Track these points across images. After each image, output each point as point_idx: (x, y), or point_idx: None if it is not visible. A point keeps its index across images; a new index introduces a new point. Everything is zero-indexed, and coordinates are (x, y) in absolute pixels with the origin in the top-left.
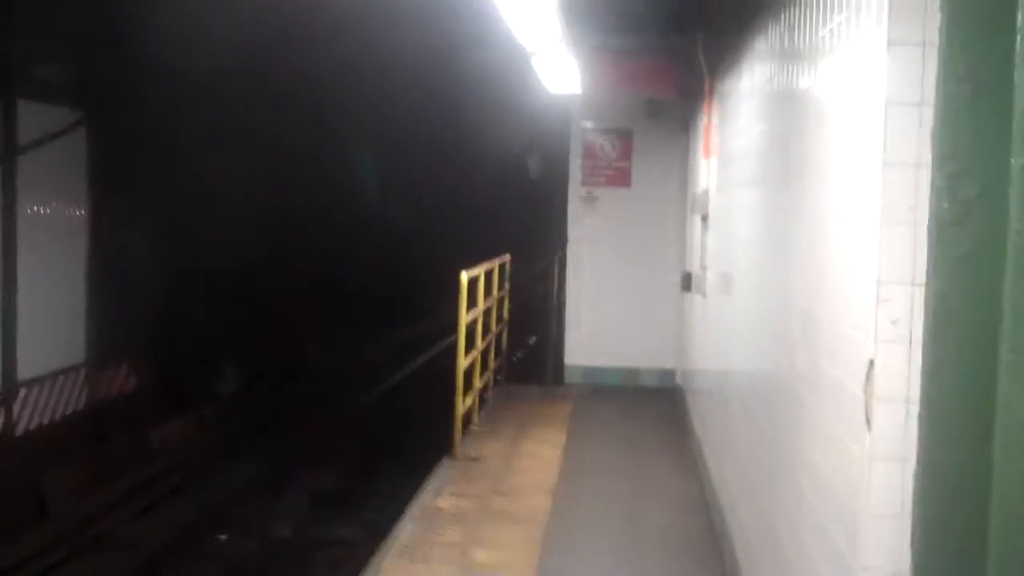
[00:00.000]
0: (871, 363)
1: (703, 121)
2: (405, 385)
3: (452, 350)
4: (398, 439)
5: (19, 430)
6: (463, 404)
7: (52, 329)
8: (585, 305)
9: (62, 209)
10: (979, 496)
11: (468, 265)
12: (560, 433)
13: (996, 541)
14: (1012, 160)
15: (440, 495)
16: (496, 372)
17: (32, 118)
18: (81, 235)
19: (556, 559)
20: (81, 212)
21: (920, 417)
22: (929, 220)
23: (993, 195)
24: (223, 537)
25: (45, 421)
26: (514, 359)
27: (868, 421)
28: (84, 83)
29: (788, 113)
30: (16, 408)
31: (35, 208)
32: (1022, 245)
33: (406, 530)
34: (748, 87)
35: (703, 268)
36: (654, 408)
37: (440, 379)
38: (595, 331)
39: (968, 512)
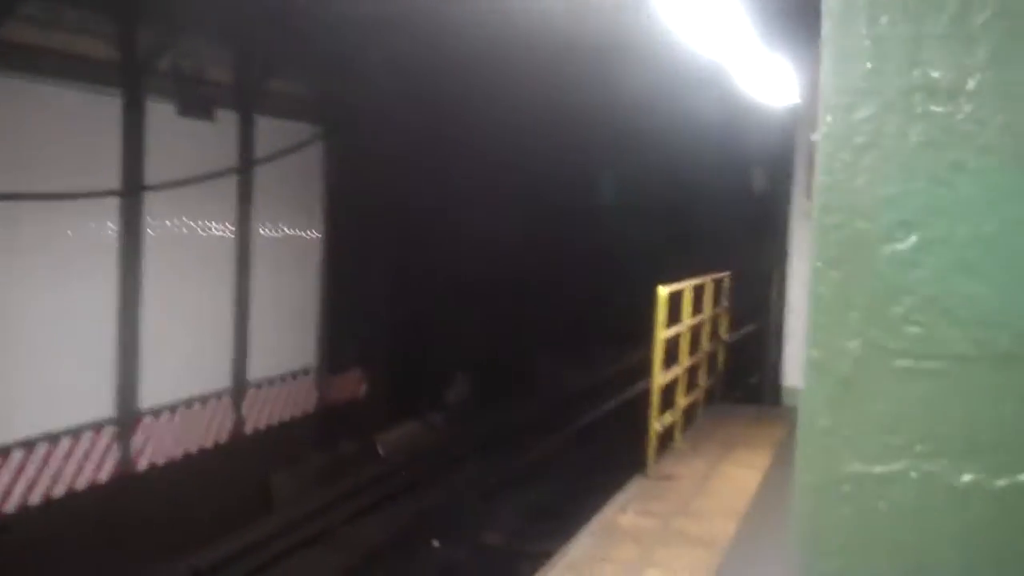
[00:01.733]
0: None
1: None
2: (631, 404)
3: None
4: (618, 457)
5: (248, 428)
6: (662, 422)
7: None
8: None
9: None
10: None
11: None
12: (765, 457)
13: None
14: None
15: (624, 512)
16: (708, 391)
17: (270, 132)
18: (315, 246)
19: None
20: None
21: None
22: None
23: None
24: (436, 543)
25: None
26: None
27: None
28: (322, 101)
29: None
30: (244, 408)
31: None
32: None
33: (580, 545)
34: None
35: None
36: None
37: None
38: None
39: None
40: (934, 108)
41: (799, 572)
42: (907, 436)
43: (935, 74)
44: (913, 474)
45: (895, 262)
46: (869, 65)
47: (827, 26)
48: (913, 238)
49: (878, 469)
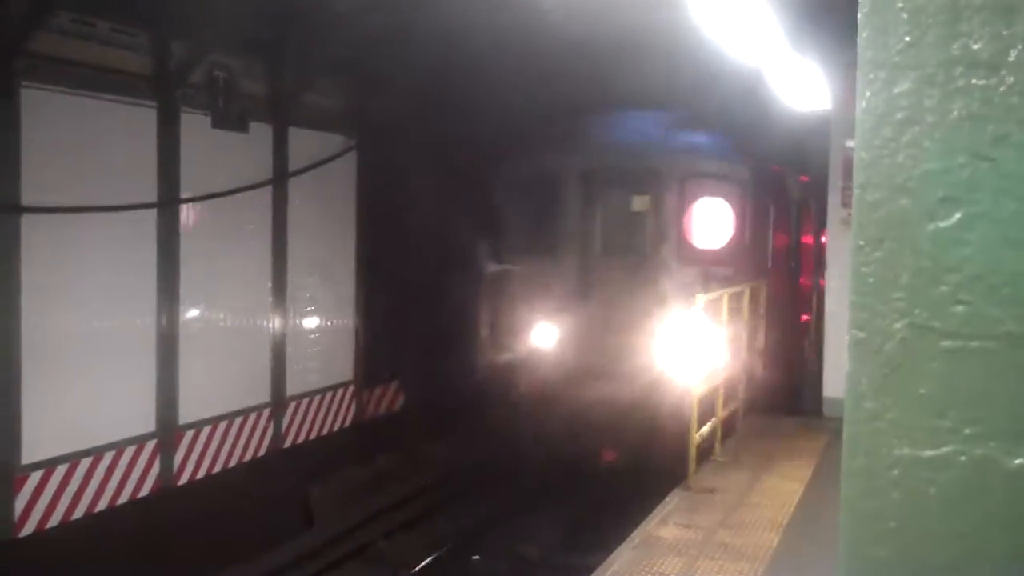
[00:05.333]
0: None
1: None
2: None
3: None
4: (657, 468)
5: (287, 442)
6: (702, 434)
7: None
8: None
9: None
10: None
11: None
12: (806, 469)
13: None
14: None
15: (665, 524)
16: (748, 402)
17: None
18: (350, 257)
19: None
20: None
21: None
22: None
23: None
24: (476, 557)
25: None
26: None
27: None
28: (356, 112)
29: None
30: (284, 422)
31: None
32: None
33: (622, 557)
34: None
35: None
36: None
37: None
38: None
39: None
40: (975, 81)
41: (848, 558)
42: (956, 419)
43: (975, 46)
44: (963, 458)
45: (939, 240)
46: (908, 39)
47: (864, 0)
48: (957, 215)
49: (927, 453)
